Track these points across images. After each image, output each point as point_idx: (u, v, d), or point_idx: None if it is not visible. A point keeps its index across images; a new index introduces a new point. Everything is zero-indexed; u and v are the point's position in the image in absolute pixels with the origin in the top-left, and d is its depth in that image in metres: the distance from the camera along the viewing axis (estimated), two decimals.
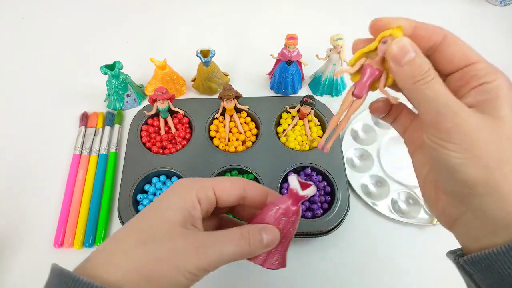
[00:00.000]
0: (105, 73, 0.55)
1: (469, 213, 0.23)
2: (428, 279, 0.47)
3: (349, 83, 0.63)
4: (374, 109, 0.28)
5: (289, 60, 0.56)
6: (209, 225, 0.31)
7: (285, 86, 0.60)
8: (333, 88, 0.61)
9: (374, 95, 0.27)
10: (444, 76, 0.24)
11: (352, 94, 0.26)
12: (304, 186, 0.27)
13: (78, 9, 0.75)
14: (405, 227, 0.50)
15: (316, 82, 0.62)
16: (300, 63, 0.59)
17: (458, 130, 0.21)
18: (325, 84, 0.61)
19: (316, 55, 0.58)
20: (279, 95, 0.62)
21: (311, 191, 0.27)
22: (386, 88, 0.26)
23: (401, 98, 0.25)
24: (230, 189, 0.29)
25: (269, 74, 0.63)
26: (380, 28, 0.24)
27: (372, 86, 0.26)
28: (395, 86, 0.26)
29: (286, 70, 0.58)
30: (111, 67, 0.56)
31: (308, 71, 0.63)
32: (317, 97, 0.61)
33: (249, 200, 0.30)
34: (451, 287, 0.39)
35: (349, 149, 0.56)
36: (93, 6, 0.75)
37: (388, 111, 0.28)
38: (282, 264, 0.29)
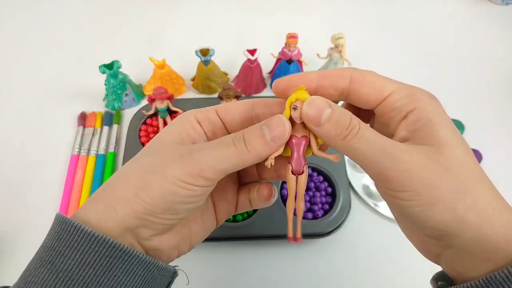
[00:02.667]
0: (104, 72, 0.55)
1: (449, 250, 0.21)
2: (429, 280, 0.47)
3: None
4: None
5: (290, 59, 0.56)
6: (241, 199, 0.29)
7: None
8: None
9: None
10: (367, 117, 0.23)
11: (292, 173, 0.24)
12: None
13: (77, 8, 0.74)
14: None
15: None
16: (300, 62, 0.59)
17: (405, 176, 0.19)
18: None
19: (317, 54, 0.57)
20: None
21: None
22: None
23: None
24: (233, 107, 0.26)
25: (270, 73, 0.63)
26: (284, 90, 0.23)
27: (306, 153, 0.24)
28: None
29: (286, 69, 0.57)
30: (109, 66, 0.55)
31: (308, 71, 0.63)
32: None
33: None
34: None
35: None
36: (92, 5, 0.74)
37: None
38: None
